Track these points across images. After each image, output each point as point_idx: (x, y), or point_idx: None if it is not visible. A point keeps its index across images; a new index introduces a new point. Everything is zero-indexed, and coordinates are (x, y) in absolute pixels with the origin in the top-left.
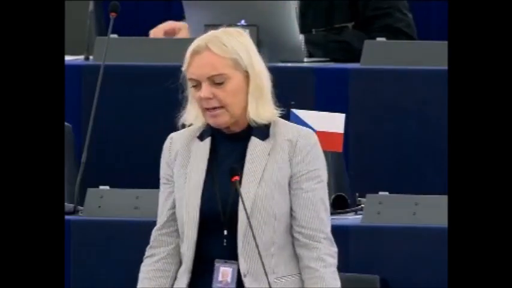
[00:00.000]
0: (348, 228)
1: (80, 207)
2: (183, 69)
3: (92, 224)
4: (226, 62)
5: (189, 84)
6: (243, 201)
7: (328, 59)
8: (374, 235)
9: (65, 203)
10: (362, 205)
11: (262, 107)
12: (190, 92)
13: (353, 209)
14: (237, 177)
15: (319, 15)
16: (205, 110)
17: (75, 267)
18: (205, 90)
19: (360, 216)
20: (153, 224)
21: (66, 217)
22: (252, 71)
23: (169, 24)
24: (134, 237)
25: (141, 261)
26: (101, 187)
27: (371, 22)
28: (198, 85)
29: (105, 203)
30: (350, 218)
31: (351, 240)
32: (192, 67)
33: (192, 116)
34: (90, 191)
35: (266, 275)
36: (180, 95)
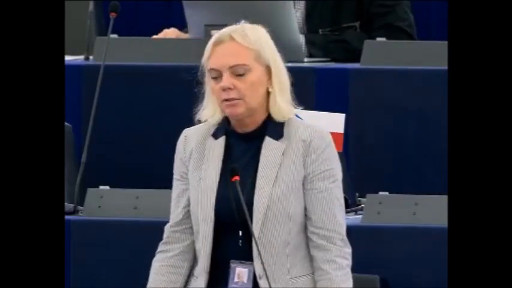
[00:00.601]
0: (348, 228)
1: (80, 207)
2: (203, 61)
3: (92, 224)
4: (249, 52)
5: (208, 76)
6: (243, 203)
7: (328, 59)
8: (374, 235)
9: (65, 203)
10: (362, 205)
11: (282, 102)
12: (209, 86)
13: (353, 209)
14: (237, 178)
15: (325, 16)
16: (224, 100)
17: (75, 267)
18: (226, 80)
19: (360, 216)
20: (153, 224)
21: (66, 217)
22: (274, 66)
23: (173, 32)
24: (134, 237)
25: (141, 261)
26: (101, 187)
27: (373, 19)
28: (218, 76)
29: (105, 203)
30: (350, 218)
31: (351, 240)
32: (214, 57)
33: (210, 112)
34: (90, 191)
35: (267, 278)
36: (196, 90)
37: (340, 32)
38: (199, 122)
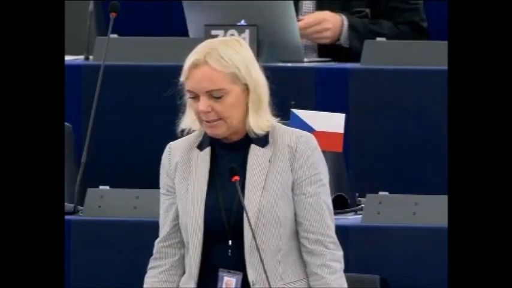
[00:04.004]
0: (348, 228)
1: (80, 207)
2: (181, 79)
3: (92, 224)
4: (224, 76)
5: (187, 94)
6: (244, 206)
7: (328, 59)
8: (374, 235)
9: (65, 203)
10: (362, 205)
11: (261, 118)
12: (188, 101)
13: (353, 209)
14: (237, 177)
15: (336, 1)
16: (203, 121)
17: (75, 267)
18: (204, 103)
19: (360, 216)
20: (153, 224)
21: (66, 217)
22: (251, 83)
23: None
24: (134, 237)
25: (141, 261)
26: (101, 187)
27: (395, 13)
28: (196, 97)
29: (105, 203)
30: (350, 218)
31: (351, 240)
32: (191, 80)
33: (191, 120)
34: (90, 191)
35: (269, 284)
36: (178, 101)
37: (373, 22)
38: (182, 132)
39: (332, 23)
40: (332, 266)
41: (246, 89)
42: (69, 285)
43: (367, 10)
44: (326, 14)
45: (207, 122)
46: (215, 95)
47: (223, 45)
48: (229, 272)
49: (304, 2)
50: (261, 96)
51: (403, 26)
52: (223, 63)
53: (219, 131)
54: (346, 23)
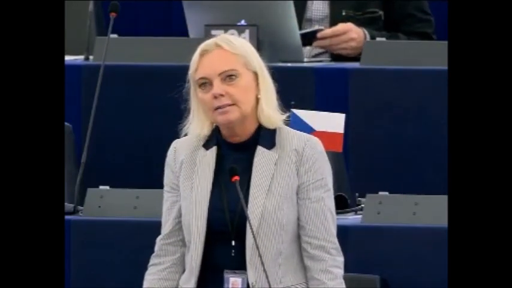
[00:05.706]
0: (348, 228)
1: (80, 207)
2: (189, 73)
3: (92, 224)
4: (237, 58)
5: (195, 90)
6: (244, 207)
7: (329, 58)
8: (374, 235)
9: (65, 203)
10: (362, 205)
11: (269, 109)
12: (196, 99)
13: (353, 209)
14: (237, 177)
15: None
16: (216, 109)
17: (75, 267)
18: (217, 87)
19: (360, 216)
20: (153, 224)
21: (66, 217)
22: (260, 73)
23: None
24: (134, 237)
25: (141, 261)
26: (101, 187)
27: (407, 21)
28: (207, 85)
29: (105, 203)
30: (350, 218)
31: (351, 240)
32: (202, 66)
33: (198, 126)
34: (90, 191)
35: (269, 286)
36: (182, 106)
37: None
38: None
39: (357, 34)
40: (333, 272)
41: (256, 78)
42: (69, 285)
43: (381, 12)
44: (351, 25)
45: (220, 108)
46: (228, 76)
47: (230, 35)
48: (234, 272)
49: (314, 1)
50: (270, 89)
51: (415, 38)
52: (234, 47)
53: (232, 116)
54: (368, 36)
